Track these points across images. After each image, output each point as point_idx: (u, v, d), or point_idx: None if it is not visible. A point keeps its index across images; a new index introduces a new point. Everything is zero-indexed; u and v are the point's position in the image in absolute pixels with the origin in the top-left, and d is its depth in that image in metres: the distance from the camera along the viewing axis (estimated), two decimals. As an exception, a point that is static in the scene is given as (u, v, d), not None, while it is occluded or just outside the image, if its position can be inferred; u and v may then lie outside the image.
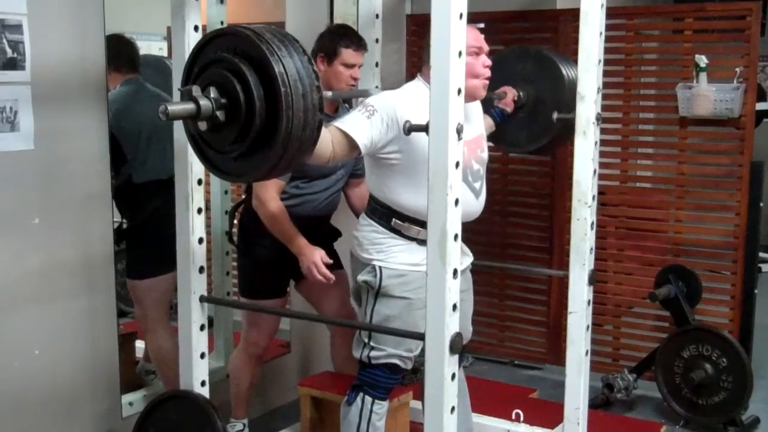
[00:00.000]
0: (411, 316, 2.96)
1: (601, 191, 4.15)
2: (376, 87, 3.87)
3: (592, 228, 3.45)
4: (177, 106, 2.27)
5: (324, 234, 3.59)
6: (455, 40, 2.30)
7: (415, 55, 4.97)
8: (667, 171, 4.58)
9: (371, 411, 3.06)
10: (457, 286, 2.42)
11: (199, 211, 2.93)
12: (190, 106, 2.26)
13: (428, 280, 2.40)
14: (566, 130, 3.51)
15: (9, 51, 2.90)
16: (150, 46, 4.54)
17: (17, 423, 3.06)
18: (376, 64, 3.94)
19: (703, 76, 4.13)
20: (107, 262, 3.33)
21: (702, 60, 4.11)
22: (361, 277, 3.05)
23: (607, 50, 3.44)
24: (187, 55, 2.79)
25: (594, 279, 3.53)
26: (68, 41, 3.11)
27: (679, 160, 4.42)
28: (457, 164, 2.35)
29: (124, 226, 3.83)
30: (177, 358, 3.52)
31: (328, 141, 2.76)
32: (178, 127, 2.88)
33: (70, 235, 3.19)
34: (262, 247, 3.50)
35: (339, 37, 3.46)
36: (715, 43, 4.40)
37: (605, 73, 3.50)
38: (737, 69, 4.13)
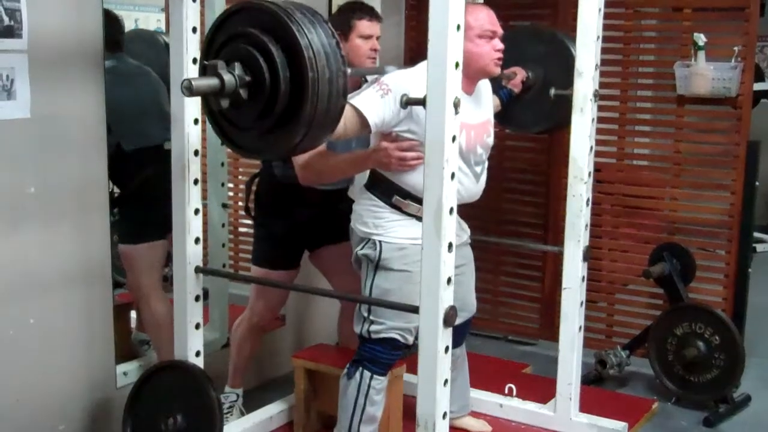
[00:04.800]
0: (410, 289, 2.96)
1: (598, 168, 4.14)
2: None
3: (587, 204, 3.47)
4: (201, 81, 2.24)
5: (340, 206, 3.55)
6: (453, 14, 2.29)
7: (413, 30, 4.95)
8: (664, 149, 4.57)
9: (369, 386, 3.07)
10: (452, 260, 2.43)
11: (196, 182, 2.93)
12: (214, 81, 2.23)
13: (423, 254, 2.42)
14: (571, 113, 3.50)
15: (6, 19, 2.89)
16: (148, 18, 4.53)
17: (11, 392, 3.08)
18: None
19: (701, 54, 4.12)
20: (103, 231, 3.33)
21: (700, 38, 4.10)
22: (360, 251, 3.06)
23: (605, 27, 3.44)
24: (184, 25, 2.81)
25: (588, 255, 3.55)
26: (66, 9, 3.09)
27: (675, 139, 4.41)
28: (454, 138, 2.36)
29: (116, 194, 3.83)
30: (172, 324, 3.53)
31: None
32: (174, 100, 2.88)
33: (66, 204, 3.19)
34: (277, 218, 3.52)
35: (351, 11, 3.39)
36: (714, 21, 4.39)
37: (603, 50, 3.50)
38: (735, 48, 4.12)
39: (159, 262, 3.74)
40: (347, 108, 2.81)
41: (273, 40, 2.19)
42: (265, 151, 2.37)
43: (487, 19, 3.03)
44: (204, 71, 2.31)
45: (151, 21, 4.53)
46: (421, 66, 3.00)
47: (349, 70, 3.14)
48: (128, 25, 4.41)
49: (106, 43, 3.29)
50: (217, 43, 2.33)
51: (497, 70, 3.10)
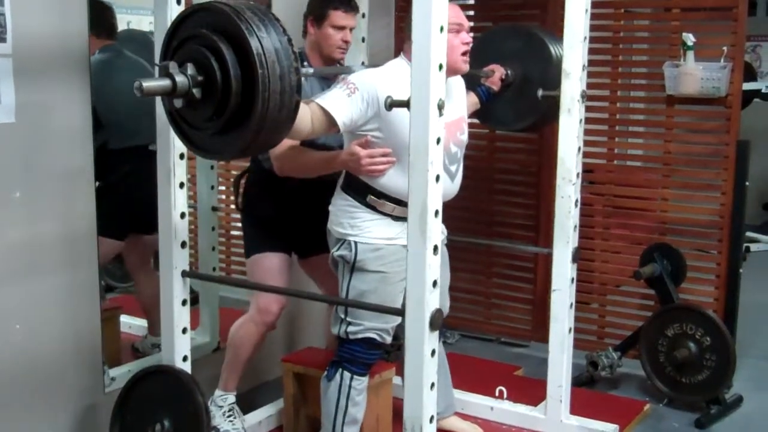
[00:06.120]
0: (386, 290, 2.98)
1: (589, 169, 4.14)
2: (363, 63, 3.85)
3: (576, 206, 3.46)
4: (152, 82, 2.27)
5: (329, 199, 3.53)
6: (436, 15, 2.29)
7: (402, 31, 4.92)
8: (654, 149, 4.57)
9: (350, 387, 3.08)
10: (438, 263, 2.42)
11: (181, 185, 2.91)
12: (165, 82, 2.26)
13: (408, 256, 2.40)
14: (553, 109, 3.50)
15: (-10, 23, 2.88)
16: (141, 21, 4.51)
17: (-2, 397, 3.07)
18: (363, 40, 3.90)
19: (690, 54, 4.11)
20: (90, 236, 3.31)
21: (689, 38, 4.10)
22: (336, 253, 3.06)
23: (594, 27, 3.43)
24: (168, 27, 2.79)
25: (578, 257, 3.54)
26: (51, 13, 3.07)
27: (665, 139, 4.40)
28: (438, 140, 2.35)
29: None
30: None
31: (307, 117, 2.76)
32: (160, 102, 2.86)
33: (52, 209, 3.17)
34: (265, 203, 3.50)
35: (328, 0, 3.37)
36: (703, 21, 4.38)
37: (592, 51, 3.50)
38: (724, 48, 4.11)
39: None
40: (315, 108, 2.81)
41: (224, 40, 2.23)
42: (222, 150, 2.39)
43: (452, 12, 2.97)
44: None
45: (144, 24, 4.51)
46: (389, 65, 3.01)
47: (311, 70, 3.16)
48: (120, 27, 4.40)
49: (102, 30, 3.27)
50: (173, 46, 2.36)
51: (465, 67, 3.08)
